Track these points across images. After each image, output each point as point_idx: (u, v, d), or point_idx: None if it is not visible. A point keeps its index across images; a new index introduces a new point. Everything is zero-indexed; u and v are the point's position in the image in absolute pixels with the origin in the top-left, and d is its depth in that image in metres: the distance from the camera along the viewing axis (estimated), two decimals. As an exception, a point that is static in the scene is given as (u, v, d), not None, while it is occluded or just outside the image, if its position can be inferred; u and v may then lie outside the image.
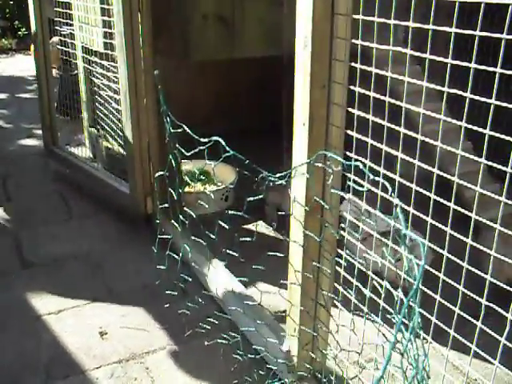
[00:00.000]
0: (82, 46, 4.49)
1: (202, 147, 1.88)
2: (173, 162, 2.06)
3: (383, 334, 1.57)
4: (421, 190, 1.49)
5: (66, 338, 2.60)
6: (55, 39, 7.80)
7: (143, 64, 3.19)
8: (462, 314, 1.41)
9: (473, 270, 1.38)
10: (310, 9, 1.54)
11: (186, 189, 3.96)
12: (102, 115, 4.42)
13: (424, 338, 1.49)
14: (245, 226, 3.63)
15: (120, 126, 3.68)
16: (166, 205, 2.59)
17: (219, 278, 2.89)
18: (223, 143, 1.59)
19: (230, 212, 1.88)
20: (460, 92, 1.34)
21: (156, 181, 3.40)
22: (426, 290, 1.46)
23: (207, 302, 2.80)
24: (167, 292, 2.57)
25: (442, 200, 1.43)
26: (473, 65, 1.27)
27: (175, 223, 3.42)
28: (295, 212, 1.78)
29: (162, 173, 2.18)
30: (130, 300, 2.90)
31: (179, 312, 2.62)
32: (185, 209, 3.62)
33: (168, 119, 1.87)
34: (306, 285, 1.86)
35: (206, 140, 1.70)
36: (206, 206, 3.15)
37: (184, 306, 2.59)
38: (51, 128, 4.86)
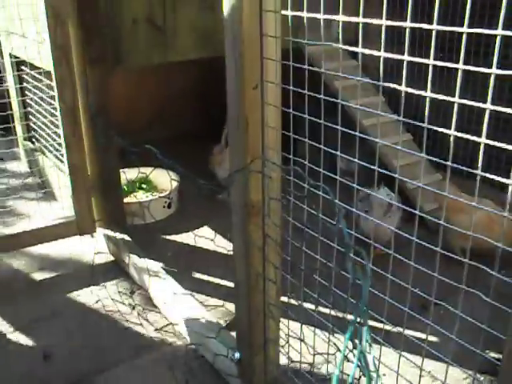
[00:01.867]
0: (12, 57, 4.32)
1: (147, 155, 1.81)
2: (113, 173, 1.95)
3: (334, 344, 1.53)
4: (363, 189, 1.45)
5: (7, 363, 2.46)
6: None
7: (75, 73, 3.05)
8: (411, 313, 1.38)
9: (419, 267, 1.35)
10: (237, 7, 1.48)
11: (128, 198, 3.84)
12: (36, 128, 4.26)
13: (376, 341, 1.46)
14: (195, 231, 3.57)
15: (56, 139, 3.55)
16: (109, 217, 2.49)
17: (166, 289, 2.80)
18: (155, 151, 1.51)
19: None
20: (395, 85, 1.30)
21: (93, 195, 3.28)
22: (376, 292, 1.43)
23: (155, 315, 2.72)
24: (114, 307, 2.48)
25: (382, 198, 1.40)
26: (406, 57, 1.23)
27: (119, 235, 3.34)
28: (235, 219, 1.71)
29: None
30: (75, 319, 2.77)
31: (126, 328, 2.53)
32: (127, 219, 3.54)
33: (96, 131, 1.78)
34: (252, 294, 1.80)
35: (136, 149, 1.62)
36: (149, 215, 3.07)
37: (132, 320, 2.51)
38: None
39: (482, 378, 2.25)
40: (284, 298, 1.92)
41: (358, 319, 1.03)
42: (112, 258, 3.29)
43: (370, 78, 3.56)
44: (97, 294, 2.86)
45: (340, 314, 1.58)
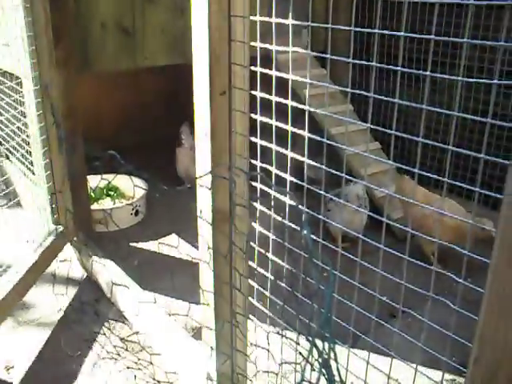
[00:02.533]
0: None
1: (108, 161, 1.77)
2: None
3: (300, 353, 1.51)
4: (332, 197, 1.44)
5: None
6: None
7: (43, 77, 2.98)
8: (379, 321, 1.37)
9: (386, 275, 1.35)
10: (204, 11, 1.46)
11: (95, 205, 3.78)
12: (5, 136, 4.17)
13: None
14: (163, 239, 3.54)
15: (23, 145, 3.46)
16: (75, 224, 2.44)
17: (132, 298, 2.75)
18: (118, 157, 1.48)
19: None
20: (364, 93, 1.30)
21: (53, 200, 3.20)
22: (341, 299, 1.42)
23: (120, 324, 2.67)
24: (77, 317, 2.42)
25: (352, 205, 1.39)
26: (374, 64, 1.23)
27: (85, 242, 3.28)
28: (202, 227, 1.69)
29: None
30: (40, 329, 2.70)
31: (91, 337, 2.48)
32: (94, 226, 3.48)
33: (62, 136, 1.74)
34: (218, 304, 1.77)
35: (99, 155, 1.58)
36: (112, 223, 3.02)
37: (96, 330, 2.46)
38: None
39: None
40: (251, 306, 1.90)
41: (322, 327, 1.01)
42: (77, 266, 3.22)
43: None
44: (60, 303, 2.79)
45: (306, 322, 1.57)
